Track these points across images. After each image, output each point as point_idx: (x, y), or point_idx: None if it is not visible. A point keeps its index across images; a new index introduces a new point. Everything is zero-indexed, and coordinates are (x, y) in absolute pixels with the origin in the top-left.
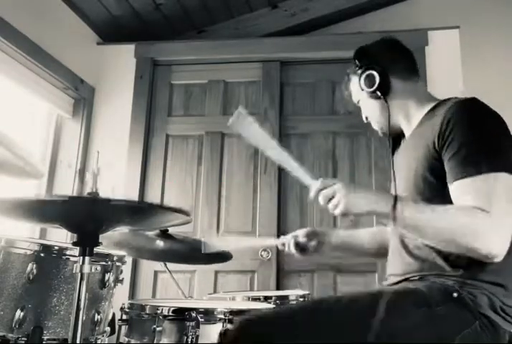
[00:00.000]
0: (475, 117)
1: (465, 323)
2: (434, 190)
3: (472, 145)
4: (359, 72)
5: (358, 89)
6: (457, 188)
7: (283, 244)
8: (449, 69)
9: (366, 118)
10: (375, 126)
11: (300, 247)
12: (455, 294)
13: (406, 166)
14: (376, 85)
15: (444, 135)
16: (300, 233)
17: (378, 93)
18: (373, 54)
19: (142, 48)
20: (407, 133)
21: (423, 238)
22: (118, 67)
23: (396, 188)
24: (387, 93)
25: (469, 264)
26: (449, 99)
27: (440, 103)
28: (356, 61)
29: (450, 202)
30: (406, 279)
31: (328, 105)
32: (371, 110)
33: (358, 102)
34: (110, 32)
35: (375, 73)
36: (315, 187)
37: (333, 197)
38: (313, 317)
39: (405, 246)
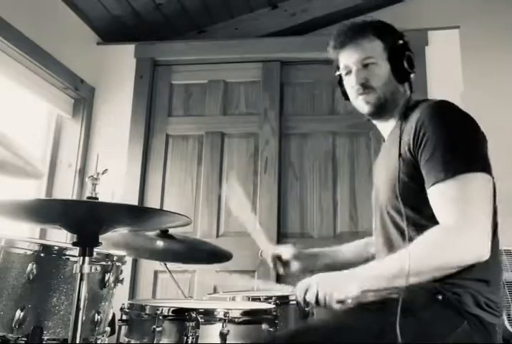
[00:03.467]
0: (446, 120)
1: (454, 324)
2: (413, 193)
3: (444, 148)
4: (403, 44)
5: (381, 53)
6: (432, 194)
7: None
8: (449, 69)
9: (365, 83)
10: (370, 96)
11: (282, 266)
12: (440, 297)
13: (385, 169)
14: (414, 70)
15: (418, 139)
16: (285, 254)
17: (410, 76)
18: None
19: (142, 48)
20: (386, 129)
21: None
22: (118, 67)
23: (377, 193)
24: (407, 82)
25: None
26: (423, 101)
27: (415, 105)
28: (400, 33)
29: (429, 204)
30: None
31: (328, 105)
32: (382, 79)
33: (365, 59)
34: (110, 32)
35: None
36: (298, 293)
37: (317, 292)
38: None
39: (390, 248)
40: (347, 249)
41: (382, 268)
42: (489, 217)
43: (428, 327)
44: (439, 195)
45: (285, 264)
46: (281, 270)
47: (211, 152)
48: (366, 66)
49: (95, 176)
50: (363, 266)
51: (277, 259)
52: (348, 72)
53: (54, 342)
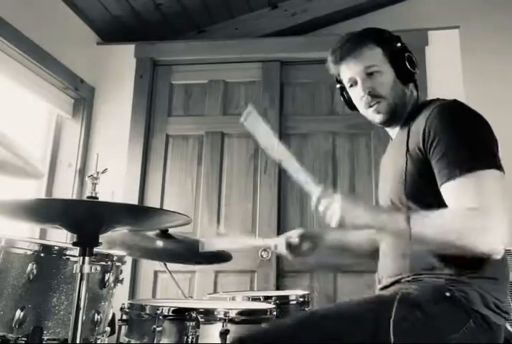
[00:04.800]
0: (458, 119)
1: (459, 322)
2: (423, 190)
3: (457, 146)
4: (402, 46)
5: (382, 59)
6: (446, 190)
7: (275, 246)
8: (449, 69)
9: (372, 92)
10: (381, 105)
11: (293, 248)
12: (448, 294)
13: (392, 167)
14: (416, 69)
15: (430, 138)
16: (293, 235)
17: (414, 77)
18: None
19: (142, 48)
20: (395, 128)
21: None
22: (118, 67)
23: (383, 188)
24: (412, 82)
25: (462, 261)
26: (433, 100)
27: (425, 104)
28: (396, 37)
29: (439, 202)
30: (398, 281)
31: (328, 105)
32: (389, 85)
33: (368, 67)
34: (110, 32)
35: (415, 59)
36: (315, 195)
37: (329, 207)
38: (305, 333)
39: (397, 247)
40: (357, 234)
41: (395, 220)
42: (505, 213)
43: (434, 323)
44: (456, 189)
45: (296, 246)
46: (290, 252)
47: (211, 152)
48: (370, 75)
49: (95, 176)
50: (383, 207)
51: (287, 241)
52: (353, 84)
53: (54, 342)
